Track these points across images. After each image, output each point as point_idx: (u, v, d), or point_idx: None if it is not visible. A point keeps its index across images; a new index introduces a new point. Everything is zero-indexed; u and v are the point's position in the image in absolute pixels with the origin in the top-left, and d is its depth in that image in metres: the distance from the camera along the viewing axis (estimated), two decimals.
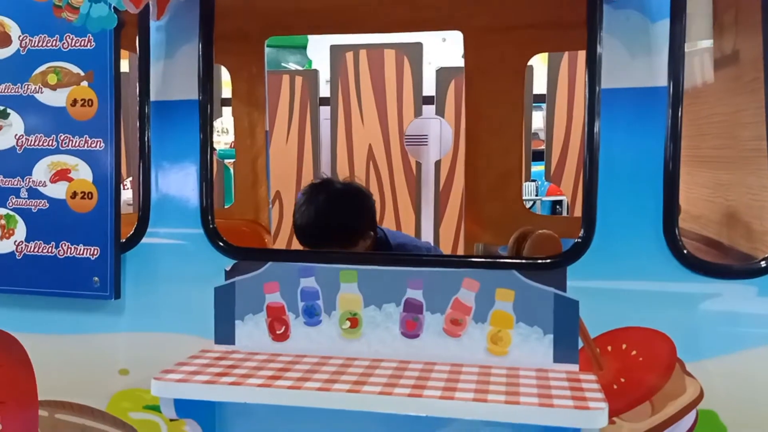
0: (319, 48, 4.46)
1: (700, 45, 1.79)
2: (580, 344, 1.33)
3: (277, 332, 1.46)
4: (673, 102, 1.27)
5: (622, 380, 1.32)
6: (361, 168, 4.00)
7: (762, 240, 1.41)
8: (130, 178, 3.95)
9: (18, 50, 1.51)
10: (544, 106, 3.89)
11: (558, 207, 5.53)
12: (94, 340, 1.55)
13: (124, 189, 3.99)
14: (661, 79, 1.28)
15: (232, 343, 1.48)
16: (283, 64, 6.01)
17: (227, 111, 3.93)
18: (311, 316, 1.45)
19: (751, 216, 1.54)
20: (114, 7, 1.39)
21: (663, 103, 1.28)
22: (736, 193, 1.65)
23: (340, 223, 1.81)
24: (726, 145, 1.71)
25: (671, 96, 1.27)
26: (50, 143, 1.51)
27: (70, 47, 1.48)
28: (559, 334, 1.33)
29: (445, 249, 3.73)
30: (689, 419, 1.29)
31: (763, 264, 1.28)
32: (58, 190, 1.50)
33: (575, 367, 1.33)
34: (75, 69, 1.48)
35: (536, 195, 5.60)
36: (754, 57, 1.40)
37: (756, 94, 1.39)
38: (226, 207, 2.83)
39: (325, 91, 4.10)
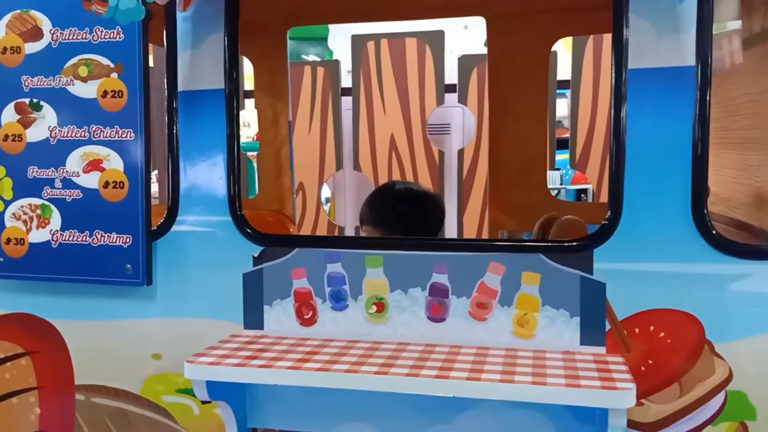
0: (340, 38, 4.46)
1: (728, 24, 1.76)
2: (608, 327, 1.33)
3: (305, 317, 1.49)
4: (701, 82, 1.26)
5: (650, 362, 1.31)
6: (383, 158, 4.01)
7: None
8: (156, 172, 4.01)
9: (50, 44, 1.54)
10: (568, 93, 3.86)
11: (583, 195, 5.47)
12: (128, 326, 1.59)
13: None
14: (689, 59, 1.26)
15: (261, 327, 1.50)
16: (303, 56, 6.02)
17: (249, 103, 3.97)
18: (338, 300, 1.47)
19: None
20: (142, 0, 1.41)
21: (691, 82, 1.26)
22: (766, 174, 1.62)
23: (430, 212, 1.92)
24: (755, 126, 1.68)
25: (699, 76, 1.26)
26: (82, 134, 1.54)
27: (100, 40, 1.51)
28: (585, 316, 1.33)
29: (470, 236, 3.73)
30: (718, 400, 1.28)
31: None
32: (91, 180, 1.54)
33: (602, 350, 1.33)
34: (105, 61, 1.51)
35: (561, 184, 5.55)
36: None
37: None
38: (250, 198, 2.87)
39: (346, 81, 4.11)
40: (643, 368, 1.31)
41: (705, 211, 1.27)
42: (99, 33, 1.51)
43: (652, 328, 1.31)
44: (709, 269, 1.28)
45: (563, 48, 3.72)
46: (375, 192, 2.05)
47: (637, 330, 1.31)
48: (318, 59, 5.62)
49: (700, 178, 1.27)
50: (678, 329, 1.29)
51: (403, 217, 1.86)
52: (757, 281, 1.26)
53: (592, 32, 3.19)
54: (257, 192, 2.76)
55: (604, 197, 3.60)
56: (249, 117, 4.64)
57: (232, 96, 1.52)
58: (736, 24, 1.73)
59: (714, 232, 1.27)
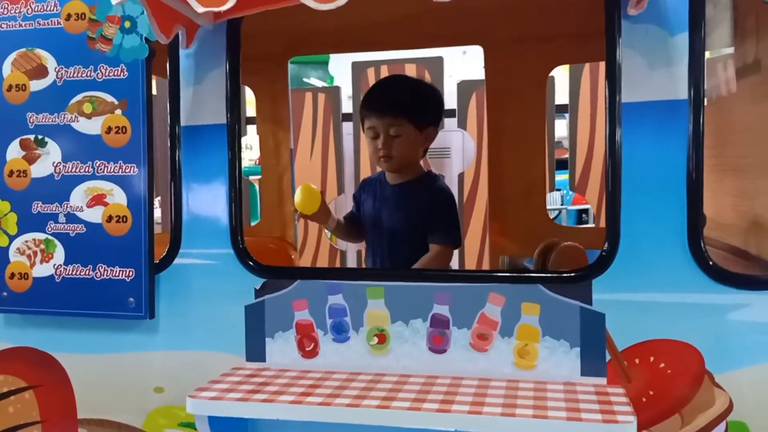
0: (340, 65, 4.52)
1: (721, 54, 1.79)
2: (608, 357, 1.33)
3: (307, 349, 1.49)
4: (694, 114, 1.28)
5: (651, 393, 1.31)
6: None
7: None
8: (159, 198, 4.04)
9: (54, 81, 1.57)
10: (567, 115, 3.89)
11: (584, 216, 5.48)
12: (130, 359, 1.60)
13: None
14: (682, 92, 1.28)
15: (263, 360, 1.51)
16: (304, 80, 6.08)
17: (251, 129, 4.00)
18: (339, 332, 1.47)
19: None
20: (145, 38, 1.45)
21: (684, 115, 1.28)
22: (763, 201, 1.64)
23: (420, 89, 1.99)
24: (750, 153, 1.70)
25: (692, 108, 1.28)
26: (86, 170, 1.57)
27: (104, 77, 1.54)
28: (586, 347, 1.34)
29: (471, 261, 3.73)
30: (719, 431, 1.28)
31: None
32: (95, 215, 1.56)
33: (603, 381, 1.33)
34: (109, 98, 1.54)
35: (561, 204, 5.57)
36: None
37: None
38: (252, 224, 2.89)
39: (347, 107, 4.15)
40: (644, 399, 1.31)
41: (701, 242, 1.28)
42: (103, 70, 1.54)
43: (652, 358, 1.31)
44: (708, 299, 1.29)
45: (561, 72, 3.76)
46: (371, 87, 2.11)
47: (637, 360, 1.32)
48: (320, 83, 5.67)
49: (695, 209, 1.28)
50: (678, 360, 1.30)
51: (401, 97, 1.93)
52: (755, 311, 1.27)
53: (587, 60, 3.23)
54: (259, 216, 2.78)
55: (603, 218, 3.61)
56: (251, 140, 4.68)
57: (234, 130, 1.54)
58: (729, 52, 1.76)
59: (711, 262, 1.28)
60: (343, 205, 4.28)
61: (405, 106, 1.91)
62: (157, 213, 3.92)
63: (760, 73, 1.59)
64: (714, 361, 1.29)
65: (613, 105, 1.32)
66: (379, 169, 2.11)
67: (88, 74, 1.55)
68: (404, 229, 1.95)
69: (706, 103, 1.31)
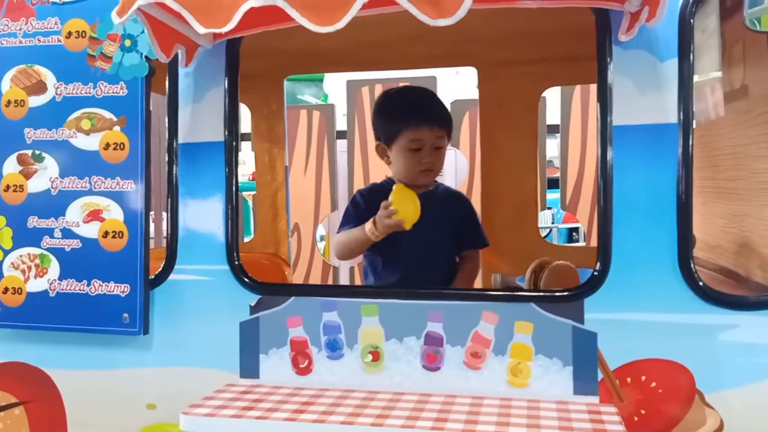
0: (335, 83, 4.56)
1: (709, 79, 1.83)
2: (600, 376, 1.34)
3: (301, 366, 1.50)
4: (683, 137, 1.31)
5: (643, 412, 1.33)
6: None
7: None
8: (152, 213, 4.04)
9: (54, 97, 1.59)
10: (558, 135, 3.93)
11: (575, 234, 5.52)
12: (123, 375, 1.59)
13: None
14: (672, 117, 1.31)
15: (257, 377, 1.51)
16: (299, 97, 6.13)
17: (245, 145, 4.02)
18: (334, 349, 1.48)
19: (765, 247, 1.55)
20: (145, 56, 1.47)
21: (674, 139, 1.31)
22: (751, 224, 1.67)
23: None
24: (739, 177, 1.74)
25: (682, 132, 1.31)
26: (83, 185, 1.57)
27: (103, 94, 1.56)
28: (578, 366, 1.35)
29: None
30: None
31: None
32: (91, 230, 1.56)
33: (596, 399, 1.34)
34: (108, 114, 1.55)
35: (553, 222, 5.60)
36: (763, 90, 1.43)
37: (765, 127, 1.42)
38: (246, 240, 2.89)
39: (341, 124, 4.18)
40: (636, 418, 1.32)
41: (691, 263, 1.30)
42: (103, 88, 1.56)
43: (643, 377, 1.33)
44: (698, 320, 1.31)
45: (552, 92, 3.81)
46: (381, 107, 1.99)
47: (629, 380, 1.33)
48: (315, 100, 5.71)
49: (685, 231, 1.31)
50: (669, 379, 1.31)
51: (444, 109, 1.93)
52: (744, 331, 1.29)
53: (579, 82, 3.28)
54: (252, 232, 2.78)
55: (594, 237, 3.64)
56: (246, 156, 4.69)
57: (231, 148, 1.56)
58: (718, 77, 1.80)
59: (701, 283, 1.30)
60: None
61: (448, 118, 1.93)
62: (151, 227, 3.91)
63: (747, 98, 1.62)
64: (704, 381, 1.30)
65: (604, 127, 1.35)
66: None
67: (88, 91, 1.56)
68: (434, 239, 1.87)
69: (695, 127, 1.34)
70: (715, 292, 1.31)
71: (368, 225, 1.76)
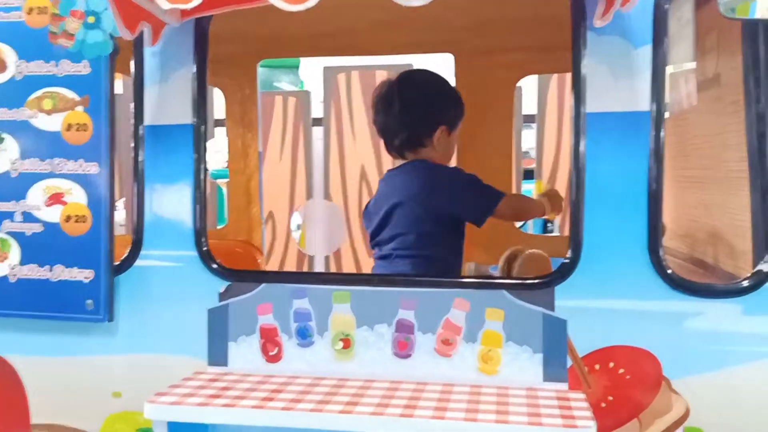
0: (311, 70, 4.51)
1: (683, 68, 1.84)
2: (569, 363, 1.35)
3: (270, 353, 1.47)
4: (655, 125, 1.31)
5: (610, 398, 1.33)
6: (354, 187, 4.02)
7: (744, 259, 1.44)
8: (123, 199, 3.97)
9: (14, 76, 1.53)
10: (534, 126, 3.94)
11: (549, 224, 5.55)
12: (88, 363, 1.56)
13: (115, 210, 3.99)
14: (644, 104, 1.31)
15: (226, 364, 1.49)
16: (276, 84, 6.05)
17: (220, 131, 3.96)
18: (304, 337, 1.46)
19: (733, 235, 1.57)
20: (109, 34, 1.42)
21: (646, 126, 1.31)
22: (720, 213, 1.68)
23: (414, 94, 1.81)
24: (710, 166, 1.75)
25: (654, 120, 1.31)
26: (45, 167, 1.52)
27: (65, 73, 1.51)
28: (548, 353, 1.35)
29: None
30: None
31: (745, 283, 1.30)
32: (53, 214, 1.52)
33: (565, 386, 1.35)
34: (70, 94, 1.50)
35: None
36: (735, 80, 1.44)
37: (737, 116, 1.43)
38: (219, 227, 2.86)
39: (317, 111, 4.14)
40: (603, 404, 1.33)
41: (660, 251, 1.31)
42: (65, 66, 1.51)
43: (611, 364, 1.33)
44: (666, 307, 1.31)
45: (529, 82, 3.81)
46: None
47: (597, 366, 1.34)
48: (292, 87, 5.65)
49: (655, 218, 1.31)
50: (636, 366, 1.32)
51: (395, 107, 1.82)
52: (711, 319, 1.30)
53: (555, 71, 3.29)
54: (226, 220, 2.75)
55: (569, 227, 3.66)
56: (220, 143, 4.62)
57: (200, 130, 1.52)
58: (691, 66, 1.81)
59: (669, 271, 1.31)
60: (312, 210, 4.26)
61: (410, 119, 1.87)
62: (123, 214, 3.85)
63: (719, 87, 1.63)
64: (671, 368, 1.31)
65: (577, 115, 1.35)
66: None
67: (49, 70, 1.51)
68: None
69: (668, 116, 1.34)
70: (683, 280, 1.32)
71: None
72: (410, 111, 1.82)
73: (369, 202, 1.96)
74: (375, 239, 1.88)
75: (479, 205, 1.76)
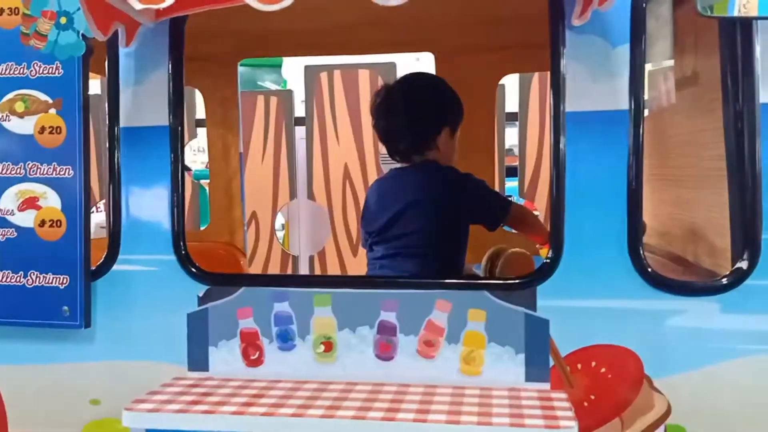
0: (293, 68, 4.48)
1: (661, 66, 1.84)
2: (552, 363, 1.35)
3: (251, 358, 1.46)
4: (634, 124, 1.31)
5: (592, 397, 1.33)
6: (337, 187, 4.00)
7: (724, 257, 1.45)
8: (103, 201, 3.92)
9: None
10: (517, 123, 3.95)
11: None
12: (65, 370, 1.53)
13: (96, 212, 3.94)
14: (623, 103, 1.31)
15: (206, 369, 1.47)
16: (259, 83, 6.01)
17: (202, 132, 3.92)
18: (285, 340, 1.45)
19: (713, 233, 1.58)
20: (82, 35, 1.39)
21: (625, 125, 1.31)
22: (699, 210, 1.69)
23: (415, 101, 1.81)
24: (688, 164, 1.76)
25: (633, 118, 1.31)
26: (18, 171, 1.49)
27: (38, 75, 1.48)
28: (530, 353, 1.35)
29: None
30: None
31: (724, 281, 1.31)
32: (26, 219, 1.49)
33: (547, 386, 1.34)
34: (43, 96, 1.47)
35: None
36: (713, 78, 1.44)
37: (715, 114, 1.44)
38: (201, 228, 2.83)
39: (300, 111, 4.11)
40: (585, 404, 1.33)
41: (641, 249, 1.31)
42: (37, 68, 1.48)
43: (593, 363, 1.33)
44: (646, 305, 1.32)
45: (511, 80, 3.81)
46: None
47: (579, 366, 1.34)
48: (274, 86, 5.61)
49: (635, 217, 1.31)
50: (618, 364, 1.32)
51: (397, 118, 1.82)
52: (691, 317, 1.31)
53: (536, 70, 3.29)
54: (209, 222, 2.72)
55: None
56: (203, 143, 4.58)
57: (177, 132, 1.50)
58: (669, 65, 1.82)
59: (650, 269, 1.31)
60: (295, 210, 4.24)
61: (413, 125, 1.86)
62: (101, 216, 3.79)
63: (698, 86, 1.64)
64: (653, 366, 1.31)
65: (557, 114, 1.34)
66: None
67: (21, 71, 1.48)
68: None
69: (647, 114, 1.34)
70: (664, 279, 1.32)
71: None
72: (417, 114, 1.82)
73: (369, 201, 1.94)
74: (377, 237, 1.85)
75: (495, 209, 1.80)
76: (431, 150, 1.83)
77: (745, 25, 1.27)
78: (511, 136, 4.54)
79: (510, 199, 1.82)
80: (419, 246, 1.76)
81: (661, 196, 1.98)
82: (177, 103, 1.49)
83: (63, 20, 1.38)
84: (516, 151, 4.42)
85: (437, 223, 1.76)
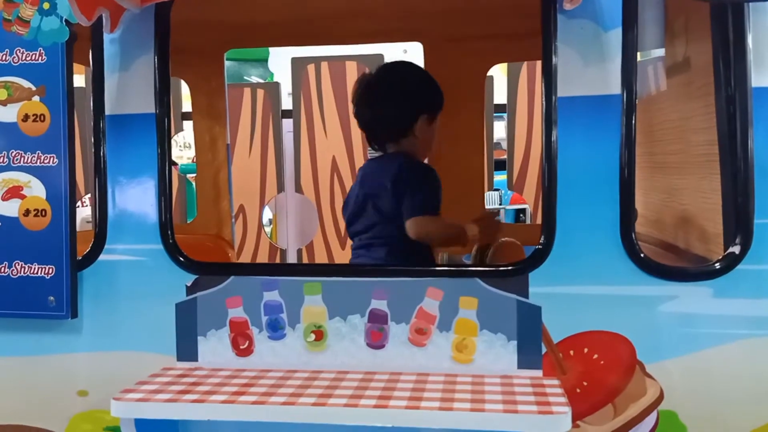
0: (280, 61, 4.45)
1: (652, 53, 1.84)
2: (544, 350, 1.34)
3: (241, 347, 1.44)
4: (626, 109, 1.30)
5: (585, 384, 1.33)
6: (325, 180, 3.99)
7: (716, 242, 1.45)
8: (89, 195, 3.87)
9: None
10: (505, 116, 3.95)
11: (521, 215, 5.59)
12: (52, 361, 1.50)
13: (82, 206, 3.89)
14: (615, 87, 1.31)
15: (195, 359, 1.45)
16: (245, 78, 5.97)
17: (189, 125, 3.88)
18: (275, 330, 1.43)
19: (704, 219, 1.58)
20: (65, 20, 1.36)
21: (617, 110, 1.31)
22: (690, 197, 1.69)
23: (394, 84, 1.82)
24: (680, 150, 1.76)
25: (625, 103, 1.30)
26: (1, 160, 1.46)
27: (20, 62, 1.44)
28: (522, 340, 1.35)
29: None
30: (651, 420, 1.31)
31: (716, 266, 1.31)
32: (11, 208, 1.46)
33: (539, 373, 1.34)
34: (26, 84, 1.44)
35: (500, 204, 5.65)
36: (704, 63, 1.44)
37: (706, 99, 1.44)
38: (188, 222, 2.80)
39: (287, 103, 4.09)
40: (578, 390, 1.33)
41: (633, 235, 1.31)
42: (20, 55, 1.44)
43: (586, 350, 1.33)
44: (639, 291, 1.31)
45: (500, 73, 3.82)
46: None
47: (571, 352, 1.33)
48: (260, 80, 5.57)
49: (627, 202, 1.31)
50: (610, 350, 1.32)
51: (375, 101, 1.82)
52: (683, 302, 1.31)
53: (525, 59, 3.29)
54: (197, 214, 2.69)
55: (541, 217, 3.68)
56: (189, 138, 4.55)
57: (163, 120, 1.47)
58: (660, 51, 1.82)
59: (642, 255, 1.31)
60: (283, 204, 4.21)
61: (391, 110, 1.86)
62: (87, 211, 3.75)
63: (689, 71, 1.64)
64: (645, 352, 1.31)
65: (549, 100, 1.33)
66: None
67: (3, 58, 1.45)
68: None
69: (638, 101, 1.34)
70: (656, 264, 1.32)
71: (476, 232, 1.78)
72: (391, 102, 1.82)
73: (349, 192, 1.97)
74: (351, 228, 1.88)
75: (406, 207, 1.74)
76: (407, 138, 1.84)
77: (737, 8, 1.27)
78: (499, 129, 4.55)
79: (437, 214, 1.76)
80: (386, 236, 1.78)
81: (651, 183, 1.98)
82: (163, 91, 1.47)
83: (46, 6, 1.36)
84: (504, 144, 4.43)
85: (396, 214, 1.75)
